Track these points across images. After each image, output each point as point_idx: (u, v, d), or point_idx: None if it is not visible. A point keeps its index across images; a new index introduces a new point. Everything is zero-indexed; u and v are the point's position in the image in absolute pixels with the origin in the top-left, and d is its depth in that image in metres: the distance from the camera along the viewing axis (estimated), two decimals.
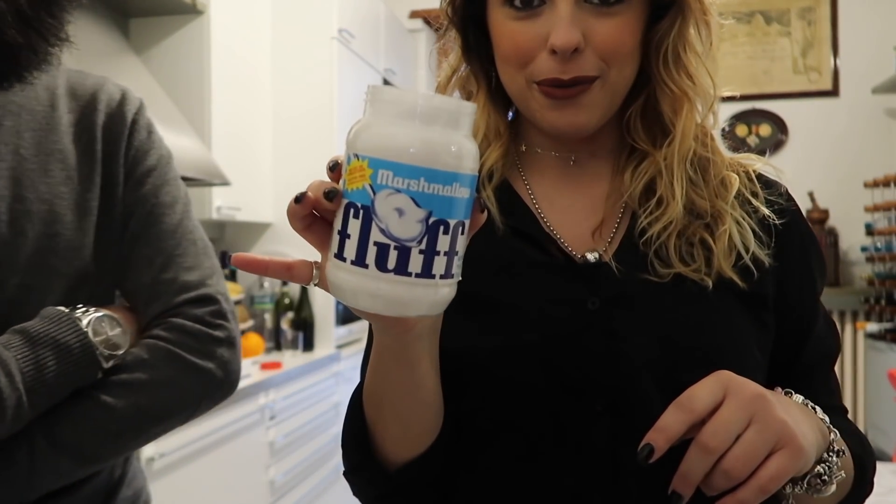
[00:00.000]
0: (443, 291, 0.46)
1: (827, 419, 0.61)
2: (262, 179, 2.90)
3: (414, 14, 4.13)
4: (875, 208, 3.27)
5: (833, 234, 3.56)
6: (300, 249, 3.15)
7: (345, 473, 0.69)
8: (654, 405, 0.55)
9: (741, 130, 3.84)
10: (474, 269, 0.66)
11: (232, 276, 2.87)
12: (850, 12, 3.76)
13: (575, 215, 0.72)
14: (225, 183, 2.33)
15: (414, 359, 0.58)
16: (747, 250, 0.67)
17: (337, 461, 2.87)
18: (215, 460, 2.00)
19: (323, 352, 2.86)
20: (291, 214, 0.48)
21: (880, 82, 3.54)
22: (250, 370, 2.30)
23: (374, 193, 0.44)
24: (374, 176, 0.44)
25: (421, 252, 0.44)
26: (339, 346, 2.98)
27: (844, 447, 0.60)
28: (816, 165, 3.74)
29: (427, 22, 4.17)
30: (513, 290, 0.68)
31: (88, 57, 1.97)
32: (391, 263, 0.44)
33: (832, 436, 0.60)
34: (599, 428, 0.63)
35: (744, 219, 0.68)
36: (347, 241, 0.45)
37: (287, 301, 2.88)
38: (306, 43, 2.95)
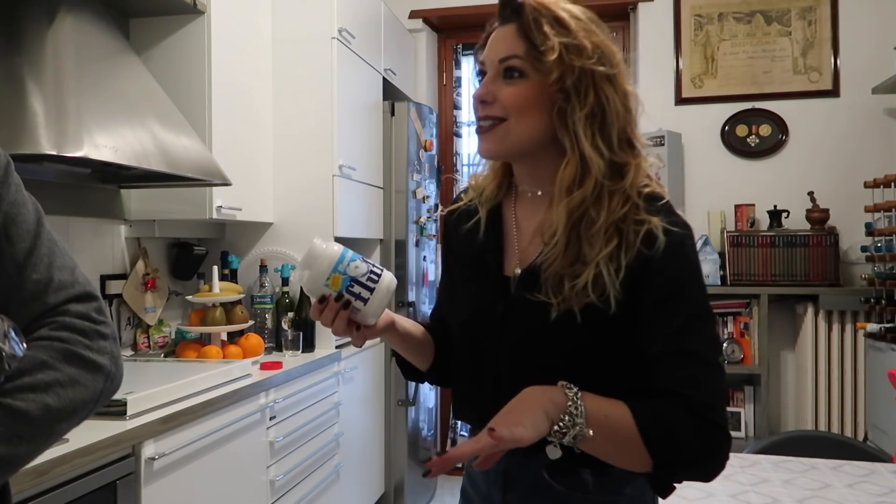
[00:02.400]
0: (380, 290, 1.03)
1: (571, 395, 0.90)
2: (262, 179, 2.90)
3: (414, 14, 4.13)
4: (875, 208, 3.27)
5: (833, 234, 3.55)
6: (300, 249, 3.14)
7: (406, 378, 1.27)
8: (516, 370, 1.02)
9: (741, 130, 3.83)
10: (459, 268, 1.17)
11: (232, 276, 2.86)
12: (850, 12, 3.75)
13: (529, 237, 1.06)
14: (225, 183, 2.33)
15: (396, 339, 1.14)
16: (604, 290, 0.95)
17: (337, 461, 2.88)
18: (215, 460, 2.00)
19: (323, 352, 2.86)
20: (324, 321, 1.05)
21: (880, 82, 3.54)
22: (250, 370, 2.30)
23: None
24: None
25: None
26: (339, 346, 2.98)
27: (578, 413, 0.89)
28: (816, 165, 3.73)
29: (427, 22, 4.18)
30: (468, 287, 1.13)
31: (88, 57, 1.97)
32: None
33: (569, 406, 0.89)
34: (489, 373, 1.07)
35: (610, 265, 0.95)
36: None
37: (287, 301, 2.88)
38: (306, 43, 2.95)
